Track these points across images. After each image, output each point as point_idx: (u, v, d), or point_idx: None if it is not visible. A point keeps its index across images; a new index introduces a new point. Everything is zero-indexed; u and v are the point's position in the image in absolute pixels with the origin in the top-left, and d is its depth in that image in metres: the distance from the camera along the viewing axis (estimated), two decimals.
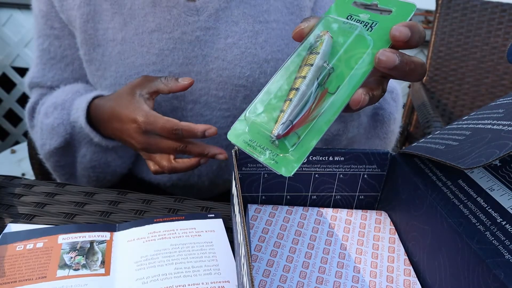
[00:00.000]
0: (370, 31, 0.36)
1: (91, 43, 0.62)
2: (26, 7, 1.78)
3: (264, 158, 0.32)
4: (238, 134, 0.34)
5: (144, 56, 0.60)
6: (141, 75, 0.60)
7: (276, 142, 0.32)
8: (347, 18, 0.37)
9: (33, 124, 0.69)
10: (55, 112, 0.62)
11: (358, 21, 0.37)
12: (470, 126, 0.40)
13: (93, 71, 0.63)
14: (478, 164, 0.31)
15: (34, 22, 0.67)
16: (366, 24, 0.36)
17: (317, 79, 0.34)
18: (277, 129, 0.32)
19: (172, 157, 0.56)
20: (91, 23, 0.61)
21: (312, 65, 0.34)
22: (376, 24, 0.36)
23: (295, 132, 0.32)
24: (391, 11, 0.37)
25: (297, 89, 0.33)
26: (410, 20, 0.36)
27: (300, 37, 0.38)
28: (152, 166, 0.57)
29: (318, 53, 0.34)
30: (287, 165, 0.32)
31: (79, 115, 0.59)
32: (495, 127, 0.35)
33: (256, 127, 0.34)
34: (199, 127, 0.51)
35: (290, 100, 0.33)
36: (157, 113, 0.52)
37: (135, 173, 0.74)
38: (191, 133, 0.51)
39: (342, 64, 0.35)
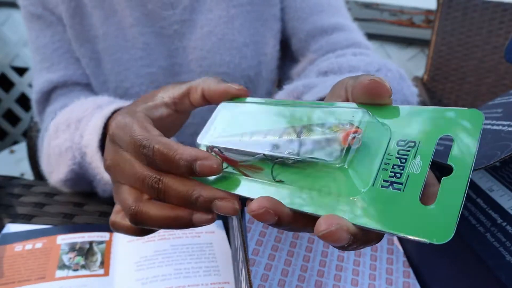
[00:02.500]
0: (386, 187, 0.21)
1: (78, 38, 0.61)
2: None
3: None
4: None
5: (129, 51, 0.60)
6: (130, 71, 0.60)
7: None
8: (406, 144, 0.22)
9: (42, 118, 0.62)
10: (67, 131, 0.49)
11: (403, 162, 0.22)
12: None
13: (85, 67, 0.62)
14: (480, 165, 0.31)
15: (27, 30, 0.63)
16: (396, 175, 0.21)
17: (281, 155, 0.24)
18: (206, 140, 0.28)
19: (145, 196, 0.29)
20: (77, 19, 0.60)
21: (284, 135, 0.24)
22: (398, 191, 0.21)
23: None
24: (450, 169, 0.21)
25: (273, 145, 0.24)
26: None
27: (372, 93, 0.24)
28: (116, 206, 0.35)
29: (304, 136, 0.24)
30: None
31: (91, 137, 0.44)
32: (494, 127, 0.35)
33: None
34: (185, 152, 0.26)
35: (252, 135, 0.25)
36: (147, 117, 0.31)
37: None
38: (166, 159, 0.26)
39: (309, 178, 0.23)
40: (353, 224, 0.20)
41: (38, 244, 0.45)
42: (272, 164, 0.24)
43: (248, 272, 0.29)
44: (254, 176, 0.25)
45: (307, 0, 0.63)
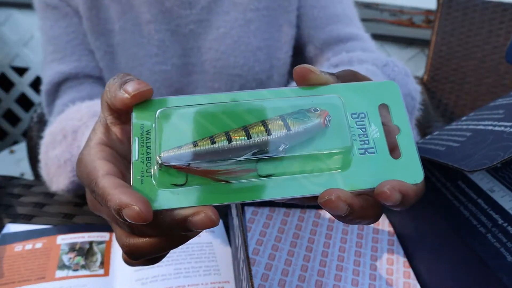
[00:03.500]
0: (363, 154, 0.25)
1: (94, 31, 0.61)
2: (25, 6, 1.77)
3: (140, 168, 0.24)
4: None
5: (145, 47, 0.60)
6: (144, 67, 0.60)
7: (159, 166, 0.24)
8: (358, 116, 0.26)
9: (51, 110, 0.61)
10: (64, 142, 0.49)
11: (364, 131, 0.25)
12: (470, 127, 0.39)
13: (99, 61, 0.62)
14: (482, 166, 0.31)
15: (40, 20, 0.62)
16: (365, 142, 0.25)
17: (255, 150, 0.24)
18: (168, 156, 0.23)
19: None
20: (94, 11, 0.60)
21: (268, 132, 0.24)
22: (373, 154, 0.25)
23: (186, 174, 0.24)
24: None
25: (229, 139, 0.24)
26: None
27: (301, 77, 0.27)
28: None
29: (293, 127, 0.24)
30: (149, 191, 0.23)
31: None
32: (496, 128, 0.35)
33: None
34: (112, 199, 0.23)
35: (214, 142, 0.24)
36: (101, 148, 0.28)
37: None
38: (103, 199, 0.24)
39: (298, 159, 0.24)
40: (351, 192, 0.23)
41: (38, 244, 0.45)
42: (255, 162, 0.24)
43: (249, 271, 0.29)
44: (235, 180, 0.24)
45: (324, 10, 0.64)
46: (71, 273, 0.42)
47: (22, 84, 1.99)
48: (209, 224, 0.22)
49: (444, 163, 0.36)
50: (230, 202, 0.23)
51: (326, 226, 0.47)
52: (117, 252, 0.45)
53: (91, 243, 0.46)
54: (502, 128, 0.34)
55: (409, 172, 0.24)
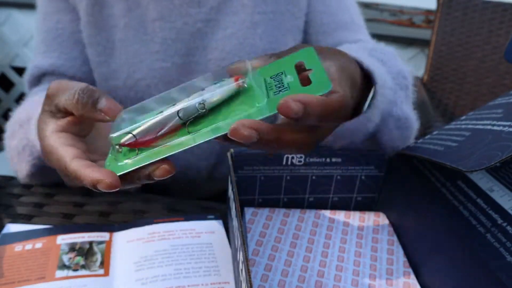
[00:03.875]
0: (277, 93, 0.29)
1: (95, 26, 0.61)
2: (25, 6, 1.77)
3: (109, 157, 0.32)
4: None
5: (147, 44, 0.61)
6: (144, 63, 0.61)
7: (118, 148, 0.31)
8: (276, 75, 0.31)
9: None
10: (21, 131, 0.51)
11: (280, 81, 0.30)
12: (469, 126, 0.39)
13: (95, 56, 0.63)
14: (480, 166, 0.31)
15: (38, 7, 0.65)
16: (280, 86, 0.29)
17: (180, 113, 0.29)
18: (120, 137, 0.30)
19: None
20: (96, 7, 0.61)
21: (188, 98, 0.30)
22: (286, 90, 0.29)
23: (136, 149, 0.30)
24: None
25: (160, 112, 0.30)
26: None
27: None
28: None
29: (207, 88, 0.30)
30: (115, 165, 0.31)
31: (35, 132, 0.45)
32: (495, 128, 0.35)
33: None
34: (86, 177, 0.29)
35: (148, 120, 0.30)
36: (58, 135, 0.33)
37: None
38: (77, 180, 0.31)
39: (221, 114, 0.30)
40: (260, 119, 0.27)
41: (38, 244, 0.45)
42: (186, 122, 0.29)
43: (248, 272, 0.29)
44: (171, 140, 0.29)
45: (332, 17, 0.65)
46: (71, 273, 0.42)
47: (22, 84, 1.98)
48: (166, 174, 0.29)
49: (442, 163, 0.36)
50: (169, 153, 0.29)
51: (326, 226, 0.47)
52: (117, 252, 0.45)
53: (91, 243, 0.46)
54: (501, 128, 0.34)
55: (317, 87, 0.28)
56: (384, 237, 0.47)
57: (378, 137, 0.49)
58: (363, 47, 0.54)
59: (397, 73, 0.50)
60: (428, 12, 2.01)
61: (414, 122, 0.52)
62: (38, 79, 0.64)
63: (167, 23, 0.60)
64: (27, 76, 0.65)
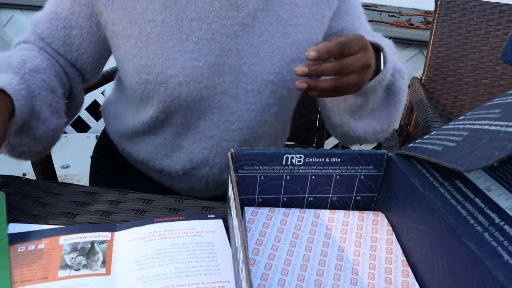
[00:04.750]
0: None
1: (128, 20, 0.63)
2: (28, 7, 1.78)
3: None
4: None
5: (182, 42, 0.62)
6: (178, 60, 0.62)
7: None
8: None
9: None
10: None
11: None
12: (467, 126, 0.40)
13: (129, 49, 0.64)
14: (478, 166, 0.31)
15: None
16: None
17: None
18: None
19: None
20: (129, 1, 0.62)
21: None
22: None
23: None
24: None
25: None
26: None
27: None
28: None
29: None
30: None
31: None
32: (492, 127, 0.35)
33: None
34: None
35: None
36: None
37: (146, 162, 0.75)
38: None
39: None
40: None
41: (41, 245, 0.46)
42: None
43: (248, 272, 0.29)
44: None
45: (349, 22, 0.72)
46: (73, 272, 0.42)
47: None
48: None
49: (440, 162, 0.37)
50: None
51: (325, 226, 0.48)
52: (118, 251, 0.46)
53: (92, 243, 0.46)
54: (498, 128, 0.35)
55: None
56: (383, 236, 0.47)
57: (392, 89, 0.67)
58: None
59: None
60: (427, 13, 2.01)
61: (405, 72, 0.71)
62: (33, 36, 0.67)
63: (204, 23, 0.62)
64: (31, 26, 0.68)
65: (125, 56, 0.65)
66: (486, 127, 0.36)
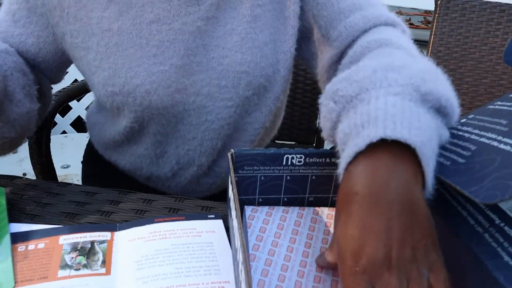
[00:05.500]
0: None
1: (85, 31, 0.60)
2: None
3: None
4: None
5: (143, 48, 0.59)
6: (142, 67, 0.59)
7: None
8: None
9: None
10: None
11: None
12: (473, 137, 0.38)
13: (90, 61, 0.61)
14: (494, 199, 0.30)
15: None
16: None
17: None
18: None
19: None
20: (83, 11, 0.59)
21: None
22: None
23: None
24: None
25: None
26: None
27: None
28: None
29: None
30: None
31: None
32: (502, 146, 0.34)
33: None
34: None
35: None
36: None
37: (133, 170, 0.74)
38: None
39: None
40: None
41: (41, 244, 0.46)
42: None
43: (248, 274, 0.29)
44: None
45: (334, 6, 0.61)
46: (73, 272, 0.42)
47: None
48: None
49: (454, 186, 0.34)
50: None
51: (324, 223, 0.48)
52: (118, 251, 0.46)
53: (92, 242, 0.46)
54: (509, 148, 0.33)
55: None
56: None
57: None
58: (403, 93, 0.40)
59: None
60: (426, 13, 2.01)
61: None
62: None
63: (164, 24, 0.59)
64: None
65: (88, 68, 0.62)
66: (495, 143, 0.35)
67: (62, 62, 0.66)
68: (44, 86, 0.67)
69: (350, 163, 0.36)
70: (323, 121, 0.45)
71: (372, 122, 0.36)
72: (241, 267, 0.33)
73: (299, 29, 0.65)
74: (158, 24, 0.59)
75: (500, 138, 0.35)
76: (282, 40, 0.64)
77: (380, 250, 0.31)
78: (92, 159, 0.82)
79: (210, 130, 0.65)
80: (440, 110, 0.40)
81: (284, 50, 0.64)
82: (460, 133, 0.41)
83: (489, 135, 0.37)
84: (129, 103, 0.61)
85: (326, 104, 0.44)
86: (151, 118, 0.63)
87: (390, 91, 0.39)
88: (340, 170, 0.38)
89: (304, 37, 0.66)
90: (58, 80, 0.71)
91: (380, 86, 0.40)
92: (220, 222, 0.51)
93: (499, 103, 0.41)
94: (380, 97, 0.38)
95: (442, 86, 0.42)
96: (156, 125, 0.64)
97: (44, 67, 0.65)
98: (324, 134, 0.46)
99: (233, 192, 0.38)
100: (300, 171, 0.48)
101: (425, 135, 0.36)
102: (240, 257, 0.33)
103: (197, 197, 0.70)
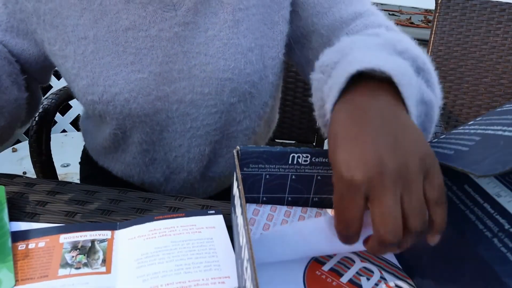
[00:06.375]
0: None
1: (62, 39, 0.59)
2: None
3: None
4: None
5: (120, 55, 0.58)
6: (119, 76, 0.58)
7: None
8: None
9: None
10: None
11: None
12: (479, 131, 0.38)
13: (69, 69, 0.60)
14: (494, 171, 0.29)
15: None
16: None
17: None
18: None
19: None
20: (58, 19, 0.58)
21: None
22: None
23: None
24: None
25: None
26: None
27: None
28: None
29: None
30: None
31: None
32: (506, 133, 0.34)
33: None
34: None
35: None
36: None
37: (125, 177, 0.73)
38: None
39: None
40: None
41: (41, 243, 0.46)
42: None
43: (254, 271, 0.29)
44: None
45: None
46: (73, 271, 0.42)
47: None
48: None
49: (453, 166, 0.35)
50: None
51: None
52: (118, 249, 0.46)
53: (93, 241, 0.46)
54: None
55: None
56: None
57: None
58: (376, 45, 0.47)
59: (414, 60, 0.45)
60: (427, 12, 2.01)
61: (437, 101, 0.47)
62: None
63: (140, 31, 0.57)
64: None
65: (68, 76, 0.61)
66: (500, 132, 0.35)
67: (46, 66, 0.65)
68: (31, 84, 0.66)
69: (335, 104, 0.39)
70: (314, 96, 0.48)
71: (350, 64, 0.40)
72: (246, 264, 0.33)
73: (294, 35, 0.64)
74: (134, 31, 0.57)
75: (505, 128, 0.35)
76: (269, 45, 0.62)
77: (371, 160, 0.32)
78: (89, 160, 0.82)
79: (196, 136, 0.64)
80: (417, 72, 0.43)
81: (272, 55, 0.62)
82: (466, 130, 0.41)
83: (494, 127, 0.37)
84: (110, 111, 0.60)
85: (315, 77, 0.48)
86: (133, 126, 0.62)
87: (369, 49, 0.45)
88: (328, 114, 0.40)
89: (298, 43, 0.65)
90: (45, 81, 0.70)
91: (359, 47, 0.46)
92: (220, 218, 0.51)
93: (507, 105, 0.40)
94: (358, 52, 0.43)
95: (420, 52, 0.46)
96: (140, 133, 0.63)
97: (28, 67, 0.64)
98: (316, 114, 0.48)
99: (239, 189, 0.38)
100: (306, 170, 0.48)
101: (401, 68, 0.39)
102: (245, 254, 0.33)
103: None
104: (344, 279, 0.41)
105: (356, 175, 0.31)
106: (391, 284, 0.41)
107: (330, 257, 0.43)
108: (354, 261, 0.43)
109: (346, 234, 0.33)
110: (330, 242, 0.40)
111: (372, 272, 0.42)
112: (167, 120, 0.62)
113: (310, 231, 0.42)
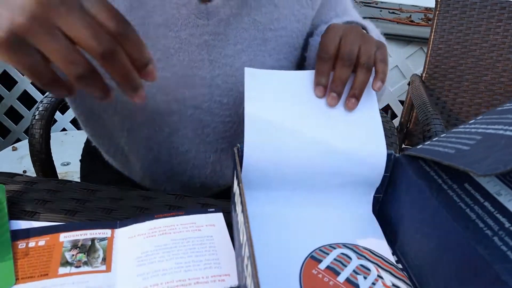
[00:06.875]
0: None
1: None
2: None
3: None
4: None
5: (148, 49, 0.58)
6: None
7: None
8: None
9: None
10: None
11: None
12: (480, 130, 0.38)
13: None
14: (495, 171, 0.29)
15: None
16: None
17: None
18: None
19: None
20: None
21: None
22: None
23: None
24: None
25: None
26: None
27: None
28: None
29: None
30: None
31: None
32: (507, 132, 0.34)
33: None
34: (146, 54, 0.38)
35: None
36: None
37: (126, 176, 0.74)
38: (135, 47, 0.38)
39: None
40: None
41: (41, 241, 0.46)
42: None
43: (255, 268, 0.29)
44: None
45: (332, 19, 0.66)
46: (73, 269, 0.42)
47: (24, 82, 1.99)
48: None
49: (454, 165, 0.35)
50: None
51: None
52: (118, 248, 0.46)
53: (93, 240, 0.46)
54: None
55: None
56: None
57: None
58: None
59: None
60: (427, 10, 2.01)
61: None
62: None
63: (171, 31, 0.57)
64: None
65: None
66: (501, 132, 0.35)
67: None
68: None
69: None
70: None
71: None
72: (246, 261, 0.33)
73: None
74: (166, 29, 0.57)
75: (506, 127, 0.35)
76: (287, 67, 0.64)
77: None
78: (90, 157, 0.81)
79: (205, 143, 0.65)
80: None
81: None
82: (467, 129, 0.41)
83: (496, 126, 0.37)
84: (125, 101, 0.59)
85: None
86: (144, 121, 0.62)
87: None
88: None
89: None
90: None
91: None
92: (220, 215, 0.51)
93: (508, 104, 0.40)
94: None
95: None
96: (148, 129, 0.63)
97: None
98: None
99: (239, 187, 0.38)
100: None
101: None
102: (246, 252, 0.33)
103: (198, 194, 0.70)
104: (341, 278, 0.41)
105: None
106: (388, 283, 0.41)
107: (326, 254, 0.43)
108: (350, 258, 0.43)
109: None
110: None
111: (369, 270, 0.42)
112: (178, 123, 0.62)
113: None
